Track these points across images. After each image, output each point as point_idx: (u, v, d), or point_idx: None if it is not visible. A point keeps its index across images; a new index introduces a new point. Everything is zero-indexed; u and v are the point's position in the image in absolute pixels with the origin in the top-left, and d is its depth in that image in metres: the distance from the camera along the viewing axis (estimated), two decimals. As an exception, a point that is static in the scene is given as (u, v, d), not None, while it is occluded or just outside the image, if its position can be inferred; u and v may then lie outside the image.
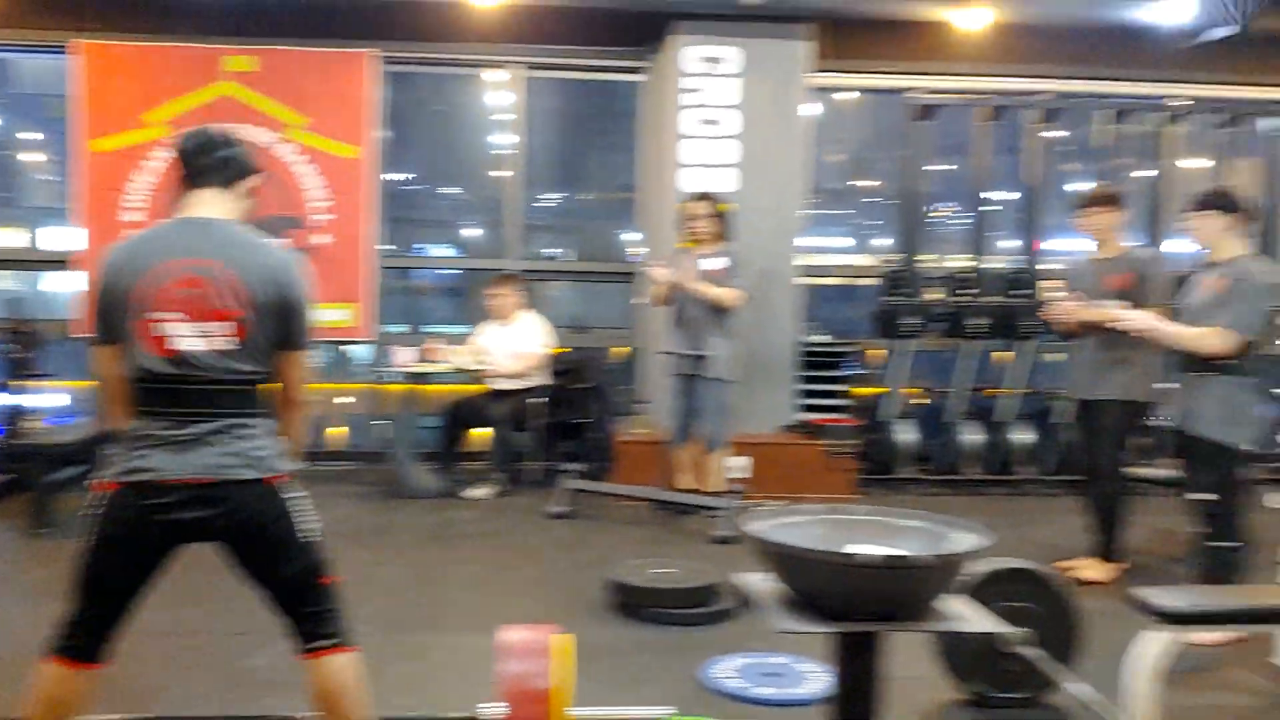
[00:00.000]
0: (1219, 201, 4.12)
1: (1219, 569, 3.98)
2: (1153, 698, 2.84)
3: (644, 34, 7.01)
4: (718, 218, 5.95)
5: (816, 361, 7.05)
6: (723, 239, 5.96)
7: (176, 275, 2.42)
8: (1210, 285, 4.07)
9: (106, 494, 2.45)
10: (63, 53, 6.85)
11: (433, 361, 6.59)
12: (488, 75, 7.66)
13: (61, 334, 6.88)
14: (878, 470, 6.91)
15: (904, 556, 2.21)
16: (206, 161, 2.54)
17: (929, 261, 7.41)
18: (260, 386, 2.51)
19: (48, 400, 7.27)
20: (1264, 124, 7.50)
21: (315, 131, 6.96)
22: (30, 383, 6.57)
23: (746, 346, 6.22)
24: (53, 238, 7.40)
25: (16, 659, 3.71)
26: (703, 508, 5.85)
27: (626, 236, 7.68)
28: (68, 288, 7.10)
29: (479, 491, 6.41)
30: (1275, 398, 6.86)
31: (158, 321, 2.42)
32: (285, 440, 2.56)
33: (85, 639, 2.49)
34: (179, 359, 2.42)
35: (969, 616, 2.39)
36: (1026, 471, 6.93)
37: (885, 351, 7.22)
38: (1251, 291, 3.94)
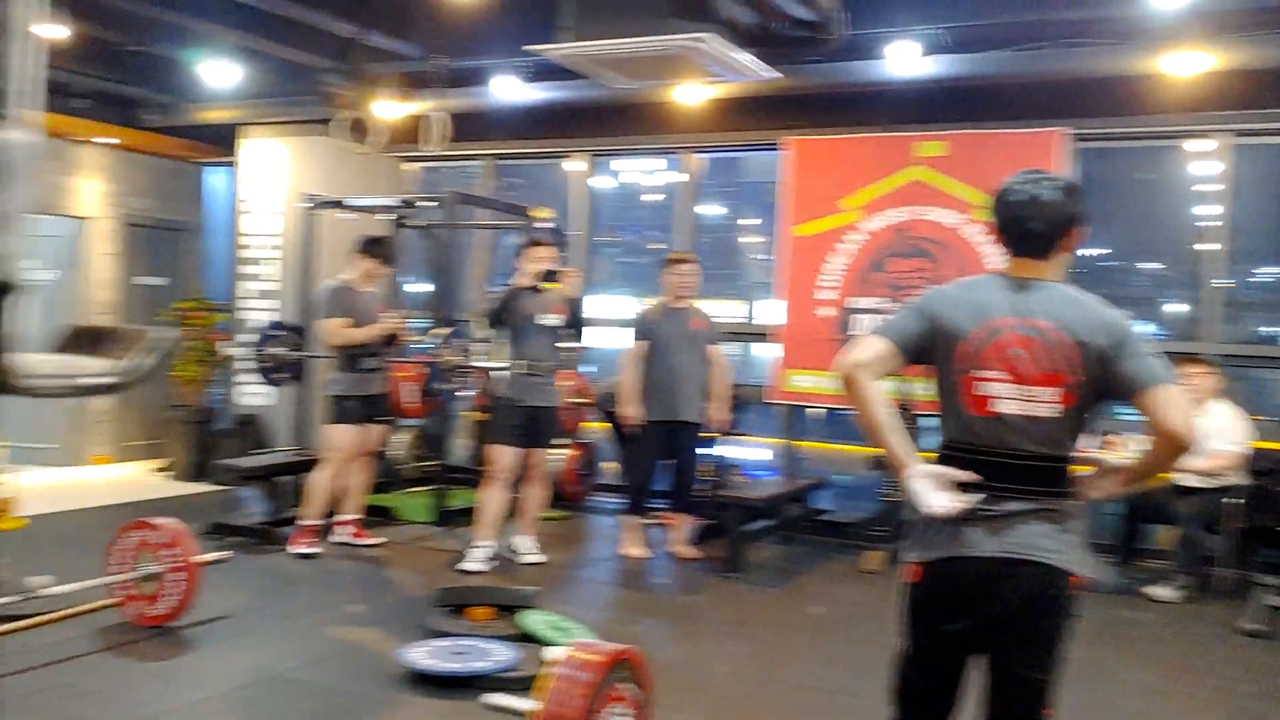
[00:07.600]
0: None
1: None
2: None
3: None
4: None
5: None
6: None
7: (1006, 334, 2.26)
8: None
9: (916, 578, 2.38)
10: (775, 149, 7.73)
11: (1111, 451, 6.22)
12: (1191, 145, 7.11)
13: (760, 398, 7.65)
14: None
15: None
16: (1021, 232, 2.35)
17: None
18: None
19: (749, 456, 8.19)
20: None
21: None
22: (736, 439, 7.46)
23: None
24: (764, 312, 8.28)
25: (707, 685, 4.22)
26: None
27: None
28: (769, 356, 7.90)
29: (1161, 592, 5.90)
30: None
31: (982, 380, 2.26)
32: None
33: None
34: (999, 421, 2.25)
35: None
36: None
37: None
38: None
